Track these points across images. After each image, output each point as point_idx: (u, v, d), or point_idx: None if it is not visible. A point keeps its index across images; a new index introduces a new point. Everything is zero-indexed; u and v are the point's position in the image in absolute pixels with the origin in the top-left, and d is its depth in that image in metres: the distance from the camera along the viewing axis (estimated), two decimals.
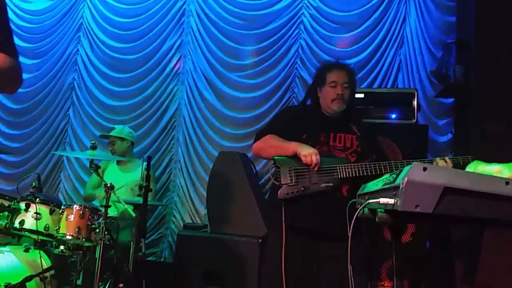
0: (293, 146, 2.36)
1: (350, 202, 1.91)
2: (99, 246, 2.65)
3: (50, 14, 5.07)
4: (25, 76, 4.92)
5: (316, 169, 2.32)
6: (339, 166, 2.33)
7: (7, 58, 1.23)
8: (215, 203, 3.63)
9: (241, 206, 3.51)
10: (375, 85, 4.16)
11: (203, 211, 4.30)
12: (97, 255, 2.72)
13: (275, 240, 2.38)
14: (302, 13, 4.51)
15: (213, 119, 4.57)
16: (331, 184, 2.31)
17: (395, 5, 4.28)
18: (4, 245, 2.97)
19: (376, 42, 4.28)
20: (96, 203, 3.96)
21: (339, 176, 2.32)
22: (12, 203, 2.90)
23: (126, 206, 2.86)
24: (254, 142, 2.54)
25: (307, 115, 2.57)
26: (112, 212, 3.13)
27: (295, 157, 2.34)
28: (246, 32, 4.62)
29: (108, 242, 2.76)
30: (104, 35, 4.93)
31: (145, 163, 2.97)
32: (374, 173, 2.28)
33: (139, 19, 4.87)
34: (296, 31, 4.51)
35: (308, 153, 2.30)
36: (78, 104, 4.89)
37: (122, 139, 3.92)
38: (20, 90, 4.86)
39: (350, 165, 2.34)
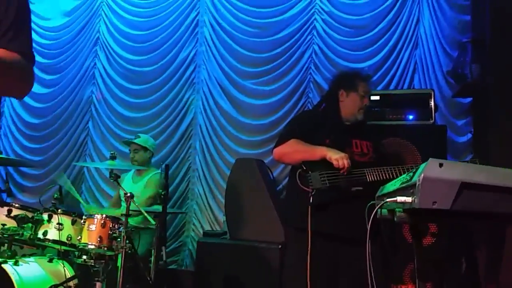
0: (321, 150, 2.35)
1: (369, 204, 1.89)
2: (121, 254, 2.68)
3: (67, 30, 5.20)
4: (44, 90, 5.13)
5: (345, 173, 2.31)
6: (366, 170, 2.33)
7: (18, 56, 1.13)
8: (233, 209, 3.65)
9: (259, 212, 3.51)
10: (391, 87, 4.14)
11: (222, 218, 4.32)
12: (119, 264, 2.75)
13: (297, 246, 2.35)
14: (315, 19, 4.53)
15: (229, 126, 4.60)
16: (361, 188, 2.31)
17: (408, 6, 4.26)
18: (29, 256, 3.04)
19: (390, 44, 4.26)
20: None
21: (368, 180, 2.32)
22: (35, 215, 2.96)
23: (146, 214, 2.89)
24: (276, 147, 2.50)
25: (327, 120, 2.55)
26: (131, 220, 3.17)
27: (323, 161, 2.33)
28: (259, 39, 4.66)
29: (129, 251, 2.80)
30: (120, 48, 5.03)
31: (162, 172, 3.01)
32: (400, 176, 2.26)
33: (153, 31, 4.96)
34: (309, 37, 4.53)
35: (339, 157, 2.29)
36: (97, 117, 4.99)
37: (145, 149, 3.98)
38: (40, 104, 5.01)
39: (377, 169, 2.33)
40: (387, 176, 2.30)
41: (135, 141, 3.95)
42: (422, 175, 1.06)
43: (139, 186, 3.81)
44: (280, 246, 3.30)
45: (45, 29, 5.29)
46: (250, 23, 4.70)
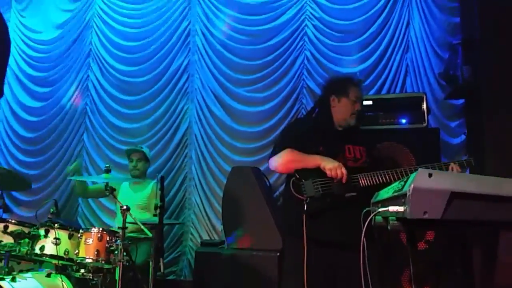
0: (315, 160, 2.35)
1: (364, 210, 1.90)
2: (119, 267, 2.67)
3: (59, 42, 5.20)
4: (38, 104, 5.13)
5: (343, 181, 2.32)
6: (359, 175, 2.34)
7: None
8: (230, 218, 3.65)
9: (256, 220, 3.52)
10: (383, 91, 4.17)
11: (219, 227, 4.32)
12: (117, 277, 2.74)
13: (294, 253, 2.36)
14: (306, 25, 4.56)
15: (224, 134, 4.61)
16: (354, 193, 2.31)
17: (397, 10, 4.30)
18: (27, 271, 3.02)
19: (381, 48, 4.30)
20: (112, 223, 4.01)
21: (361, 185, 2.32)
22: (32, 230, 2.95)
23: (142, 226, 2.89)
24: (271, 157, 2.51)
25: (319, 127, 2.56)
26: (128, 232, 3.16)
27: (317, 169, 2.34)
28: (251, 47, 4.68)
29: (127, 264, 2.79)
30: (113, 59, 5.03)
31: (158, 183, 3.00)
32: (393, 180, 2.27)
33: (145, 42, 4.97)
34: (301, 43, 4.56)
35: (333, 166, 2.30)
36: (92, 129, 4.98)
37: (147, 160, 3.98)
38: (34, 118, 4.99)
39: (370, 174, 2.34)
40: (381, 180, 2.31)
41: (142, 149, 3.95)
42: (412, 185, 1.08)
43: (142, 195, 3.80)
44: (278, 254, 3.30)
45: (37, 42, 5.28)
46: (241, 31, 4.72)
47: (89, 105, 5.04)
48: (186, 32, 4.89)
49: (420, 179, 1.08)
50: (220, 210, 4.17)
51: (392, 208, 1.19)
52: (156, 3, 4.99)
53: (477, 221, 1.11)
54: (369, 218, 1.40)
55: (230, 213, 3.65)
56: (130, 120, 4.88)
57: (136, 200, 3.76)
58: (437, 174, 1.08)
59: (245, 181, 3.67)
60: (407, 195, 1.09)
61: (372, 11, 4.36)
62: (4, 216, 3.56)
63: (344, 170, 2.30)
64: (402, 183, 1.28)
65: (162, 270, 2.87)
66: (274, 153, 2.49)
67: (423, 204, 1.07)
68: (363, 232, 1.50)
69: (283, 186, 4.14)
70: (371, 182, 2.32)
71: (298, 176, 2.35)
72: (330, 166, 2.30)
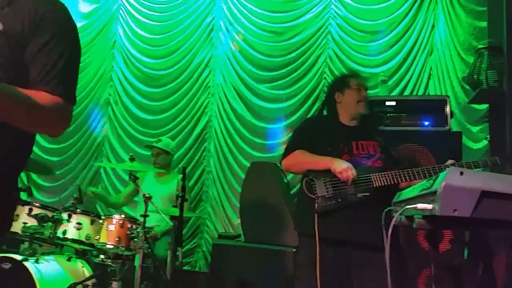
0: (325, 162, 2.35)
1: (384, 210, 1.90)
2: (138, 254, 2.73)
3: (85, 32, 5.29)
4: None
5: (349, 184, 2.30)
6: (373, 175, 2.31)
7: (59, 101, 1.18)
8: (248, 212, 3.68)
9: (274, 215, 3.55)
10: (406, 93, 4.16)
11: (236, 220, 4.36)
12: (136, 264, 2.81)
13: (307, 252, 2.36)
14: (330, 23, 4.57)
15: (244, 130, 4.65)
16: (367, 194, 2.29)
17: (423, 12, 4.28)
18: (48, 254, 3.10)
19: (405, 49, 4.28)
20: (131, 212, 4.08)
21: (375, 185, 2.30)
22: (55, 214, 3.03)
23: (164, 216, 2.94)
24: (283, 158, 2.52)
25: (326, 126, 2.56)
26: (149, 222, 3.22)
27: (328, 170, 2.33)
28: (274, 44, 4.71)
29: (146, 251, 2.85)
30: (137, 51, 5.11)
31: (181, 175, 3.05)
32: (408, 180, 2.27)
33: (169, 35, 5.05)
34: (324, 41, 4.57)
35: (343, 169, 2.28)
36: (114, 119, 5.06)
37: (167, 152, 4.01)
38: None
39: (385, 173, 2.31)
40: (395, 181, 2.28)
41: (157, 145, 3.96)
42: (444, 183, 1.09)
43: (167, 188, 3.85)
44: (294, 250, 3.32)
45: None
46: (265, 28, 4.75)
47: (112, 95, 5.13)
48: (210, 27, 4.94)
49: (452, 177, 1.09)
50: (237, 204, 4.22)
51: (420, 205, 1.21)
52: None
53: (505, 221, 1.13)
54: (396, 217, 1.41)
55: (248, 208, 3.69)
56: (152, 112, 4.96)
57: (160, 192, 3.80)
58: (468, 172, 1.09)
59: (264, 176, 3.71)
60: (438, 192, 1.10)
61: (398, 12, 4.34)
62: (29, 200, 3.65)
63: (353, 173, 2.28)
64: (431, 181, 1.29)
65: (180, 260, 2.92)
66: (286, 154, 2.50)
67: (453, 201, 1.08)
68: (389, 232, 1.50)
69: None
70: (385, 183, 2.29)
71: (310, 176, 2.37)
72: (340, 168, 2.28)
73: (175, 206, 3.11)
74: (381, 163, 2.41)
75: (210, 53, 4.92)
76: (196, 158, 4.77)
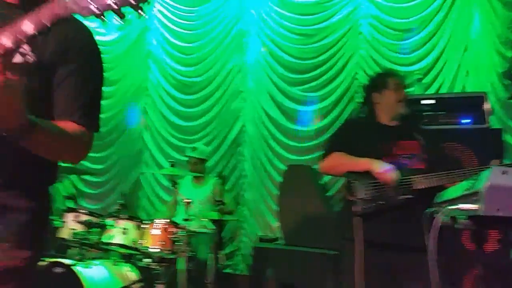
0: (364, 163, 2.30)
1: (425, 211, 1.87)
2: (182, 258, 2.81)
3: (120, 43, 5.47)
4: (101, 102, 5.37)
5: (393, 185, 2.23)
6: (415, 177, 2.24)
7: (84, 130, 1.18)
8: (287, 216, 3.71)
9: (312, 218, 3.56)
10: (442, 91, 4.08)
11: (274, 223, 4.40)
12: (179, 267, 2.89)
13: (350, 256, 2.29)
14: (361, 23, 4.55)
15: (278, 133, 4.69)
16: (409, 196, 2.23)
17: (457, 7, 4.19)
18: (95, 259, 3.23)
19: (440, 46, 4.21)
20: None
21: (417, 187, 2.23)
22: (101, 220, 3.15)
23: (204, 220, 3.02)
24: (321, 161, 2.49)
25: (365, 127, 2.51)
26: (190, 225, 3.30)
27: (368, 172, 2.28)
28: (305, 46, 4.73)
29: (189, 254, 2.93)
30: (171, 59, 5.25)
31: (219, 180, 3.12)
32: (451, 182, 2.20)
33: (201, 43, 5.15)
34: (356, 41, 4.55)
35: (384, 170, 2.23)
36: (152, 126, 5.22)
37: (202, 160, 4.11)
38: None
39: (427, 175, 2.23)
40: (438, 183, 2.19)
41: (193, 154, 4.05)
42: (487, 182, 1.10)
43: (203, 191, 3.94)
44: (335, 253, 3.30)
45: (99, 43, 5.57)
46: (295, 31, 4.78)
47: (148, 103, 5.28)
48: (240, 33, 5.02)
49: (495, 176, 1.10)
50: (274, 207, 4.26)
51: (464, 206, 1.22)
52: (212, 6, 5.15)
53: None
54: (439, 218, 1.41)
55: (287, 211, 3.72)
56: (187, 118, 5.09)
57: (197, 196, 3.89)
58: (511, 171, 1.10)
59: (301, 179, 3.73)
60: (481, 192, 1.11)
61: (430, 8, 4.27)
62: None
63: (394, 175, 2.22)
64: (473, 181, 1.29)
65: (221, 263, 2.98)
66: (323, 157, 2.47)
67: (496, 201, 1.09)
68: (430, 232, 1.49)
69: (337, 185, 4.19)
70: (428, 185, 2.20)
71: (350, 179, 2.33)
72: (380, 170, 2.23)
73: (214, 211, 3.19)
74: (423, 164, 2.34)
75: (241, 58, 4.99)
76: (232, 162, 4.85)
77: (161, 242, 2.96)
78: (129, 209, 4.60)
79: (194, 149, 4.11)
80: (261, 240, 4.01)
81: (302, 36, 4.77)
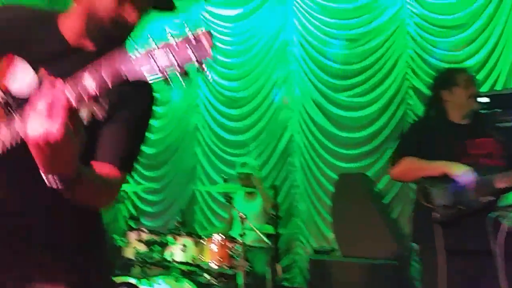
0: (440, 166, 2.19)
1: (488, 215, 1.79)
2: (241, 273, 2.84)
3: None
4: (154, 122, 5.57)
5: (474, 187, 2.10)
6: (496, 176, 2.09)
7: (120, 176, 1.16)
8: (342, 226, 3.66)
9: (369, 227, 3.48)
10: (497, 87, 3.89)
11: (329, 234, 4.34)
12: (238, 281, 2.92)
13: (430, 264, 2.18)
14: (407, 23, 4.45)
15: (327, 141, 4.66)
16: (492, 198, 2.08)
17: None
18: (157, 276, 3.33)
19: (491, 40, 4.04)
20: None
21: (499, 187, 2.08)
22: (162, 237, 3.25)
23: (259, 233, 3.04)
24: (391, 167, 2.39)
25: (435, 127, 2.38)
26: (246, 239, 3.34)
27: (444, 175, 2.17)
28: (350, 51, 4.68)
29: (247, 269, 2.96)
30: (218, 76, 5.35)
31: (271, 191, 3.14)
32: None
33: (246, 57, 5.22)
34: (402, 42, 4.45)
35: (462, 172, 2.12)
36: (204, 143, 5.34)
37: (253, 175, 4.12)
38: (152, 136, 5.45)
39: (509, 173, 2.08)
40: None
41: (243, 170, 4.07)
42: None
43: (257, 205, 3.96)
44: (397, 263, 3.20)
45: None
46: (339, 36, 4.75)
47: (200, 121, 5.40)
48: (283, 44, 5.04)
49: None
50: (328, 218, 4.21)
51: None
52: (254, 19, 5.22)
53: None
54: (504, 223, 1.35)
55: (341, 221, 3.67)
56: (236, 132, 5.16)
57: (251, 209, 3.91)
58: None
59: (354, 188, 3.68)
60: None
61: (478, 3, 4.11)
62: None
63: (474, 176, 2.09)
64: None
65: (279, 275, 2.99)
66: (394, 163, 2.37)
67: None
68: (499, 237, 1.42)
69: (394, 191, 4.08)
70: (511, 183, 2.05)
71: (424, 184, 2.22)
72: (459, 172, 2.12)
73: (268, 223, 3.20)
74: (503, 161, 2.19)
75: (286, 69, 5.01)
76: (283, 174, 4.85)
77: (220, 257, 3.01)
78: (186, 225, 4.73)
79: (243, 164, 4.14)
80: (316, 252, 3.96)
81: (346, 41, 4.72)
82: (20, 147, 0.90)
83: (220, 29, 5.41)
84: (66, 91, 0.82)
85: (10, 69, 1.10)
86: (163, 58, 0.79)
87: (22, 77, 1.09)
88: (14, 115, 0.91)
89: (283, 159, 4.89)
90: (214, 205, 5.06)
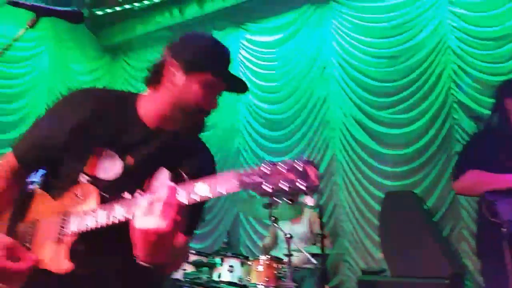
0: (507, 180, 2.13)
1: None
2: None
3: None
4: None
5: None
6: None
7: (184, 242, 1.27)
8: (390, 246, 3.57)
9: (418, 246, 3.38)
10: None
11: (377, 255, 4.24)
12: None
13: (497, 283, 2.13)
14: (448, 38, 4.39)
15: (371, 159, 4.60)
16: None
17: None
18: None
19: None
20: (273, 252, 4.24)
21: None
22: (209, 259, 3.31)
23: (308, 255, 3.03)
24: (454, 181, 2.34)
25: (499, 138, 2.29)
26: (293, 260, 3.33)
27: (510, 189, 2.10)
28: (391, 68, 4.66)
29: None
30: (258, 100, 5.44)
31: (315, 211, 3.13)
32: None
33: (286, 80, 5.29)
34: (445, 57, 4.39)
35: None
36: (246, 165, 5.40)
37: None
38: None
39: None
40: None
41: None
42: None
43: (301, 226, 3.96)
44: (448, 281, 3.09)
45: None
46: (379, 55, 4.74)
47: (241, 144, 5.49)
48: (323, 65, 5.08)
49: None
50: (375, 237, 4.12)
51: None
52: (293, 43, 5.32)
53: None
54: None
55: (390, 241, 3.58)
56: (278, 154, 5.19)
57: (296, 229, 3.92)
58: None
59: (402, 206, 3.59)
60: None
61: None
62: None
63: None
64: None
65: None
66: (456, 176, 2.31)
67: None
68: None
69: (443, 208, 3.96)
70: None
71: (490, 199, 2.15)
72: None
73: (313, 244, 3.18)
74: None
75: (326, 89, 5.04)
76: (327, 193, 4.81)
77: (266, 278, 3.01)
78: (232, 246, 4.77)
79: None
80: (364, 272, 3.87)
81: (387, 59, 4.72)
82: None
83: (261, 55, 5.53)
84: (177, 195, 0.97)
85: (99, 160, 1.23)
86: (274, 181, 0.86)
87: (110, 166, 1.23)
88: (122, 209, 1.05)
89: (326, 178, 4.87)
90: (258, 226, 5.08)
